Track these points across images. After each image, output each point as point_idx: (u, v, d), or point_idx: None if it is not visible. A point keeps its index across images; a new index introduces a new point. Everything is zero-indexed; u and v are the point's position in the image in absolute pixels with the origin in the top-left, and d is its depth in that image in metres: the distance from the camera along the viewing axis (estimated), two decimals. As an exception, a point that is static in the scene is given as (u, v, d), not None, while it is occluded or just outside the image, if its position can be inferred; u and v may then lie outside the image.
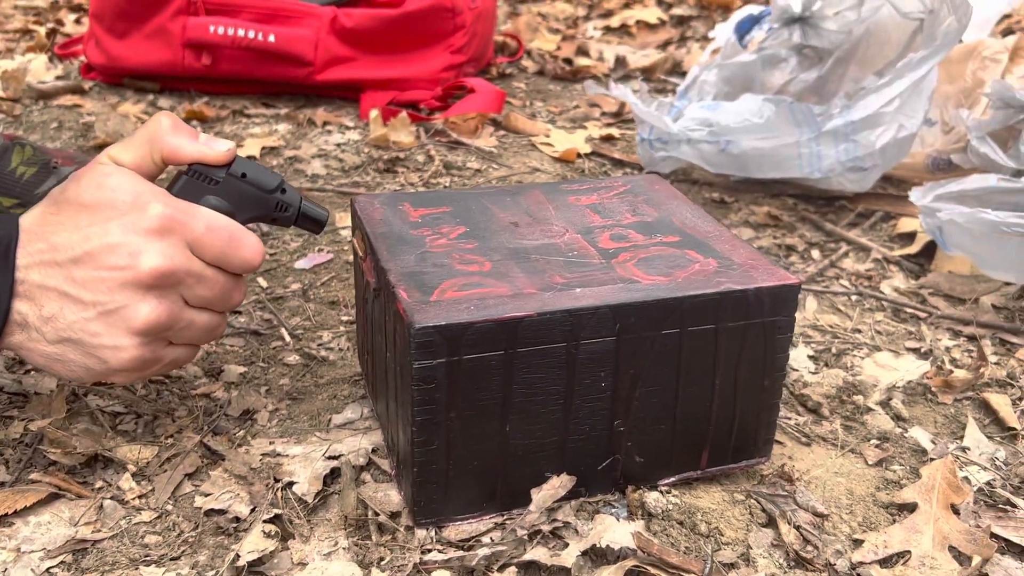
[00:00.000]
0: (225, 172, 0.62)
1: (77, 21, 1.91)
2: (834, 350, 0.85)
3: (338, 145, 1.33)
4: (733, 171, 1.12)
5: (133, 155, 0.60)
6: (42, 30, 1.81)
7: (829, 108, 1.02)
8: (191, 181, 0.61)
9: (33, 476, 0.64)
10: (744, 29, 1.81)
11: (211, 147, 0.61)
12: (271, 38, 1.45)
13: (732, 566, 0.59)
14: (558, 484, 0.61)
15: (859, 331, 0.88)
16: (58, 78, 1.57)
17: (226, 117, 1.43)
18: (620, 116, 1.56)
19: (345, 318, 0.87)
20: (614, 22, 2.12)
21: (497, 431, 0.59)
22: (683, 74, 1.80)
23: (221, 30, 1.45)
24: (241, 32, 1.44)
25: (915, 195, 0.97)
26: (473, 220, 0.69)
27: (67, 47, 1.72)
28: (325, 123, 1.43)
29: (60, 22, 1.88)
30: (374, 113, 1.37)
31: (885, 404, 0.77)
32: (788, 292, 0.61)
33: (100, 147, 1.29)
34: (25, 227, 0.58)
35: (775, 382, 0.64)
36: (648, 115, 1.11)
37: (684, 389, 0.62)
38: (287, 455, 0.68)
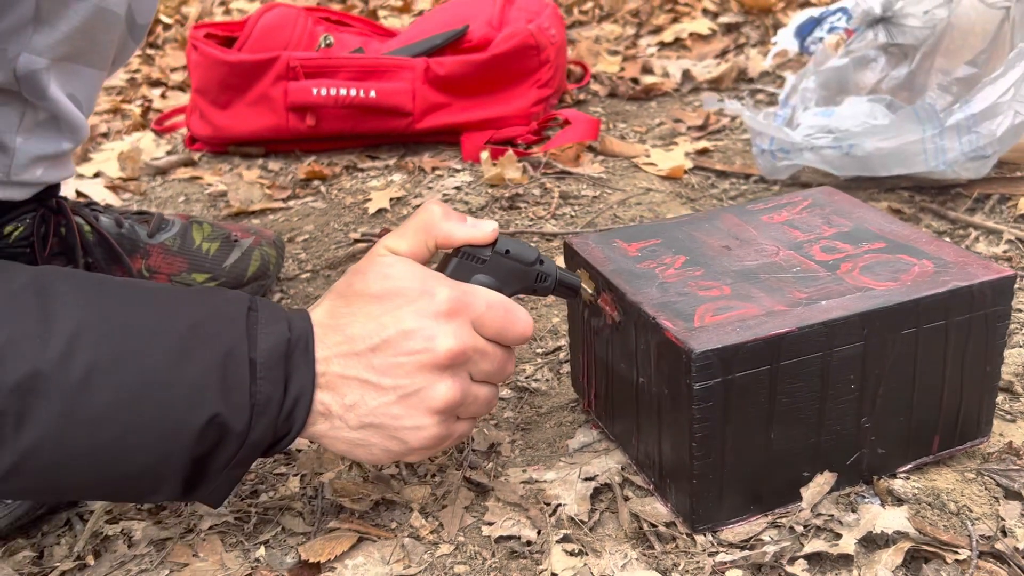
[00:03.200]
0: (491, 251, 0.65)
1: (162, 96, 2.00)
2: (1004, 331, 0.90)
3: (456, 188, 1.40)
4: (858, 172, 1.18)
5: (409, 243, 0.64)
6: (136, 108, 1.89)
7: (949, 106, 1.08)
8: (462, 262, 0.65)
9: (331, 524, 0.70)
10: (806, 32, 1.88)
11: (479, 229, 0.65)
12: (372, 93, 1.52)
13: (993, 538, 0.65)
14: (823, 481, 0.66)
15: (1020, 311, 0.94)
16: (168, 153, 1.65)
17: (340, 173, 1.51)
18: (705, 129, 1.62)
19: (539, 351, 0.94)
20: (667, 37, 2.18)
21: (763, 439, 0.65)
22: (750, 80, 1.86)
23: (324, 91, 1.52)
24: (343, 91, 1.52)
25: (1040, 176, 1.03)
26: (687, 248, 0.75)
27: (162, 122, 1.80)
28: (434, 168, 1.49)
29: (147, 98, 1.97)
30: (485, 155, 1.43)
31: (1074, 376, 0.83)
32: (1006, 283, 0.67)
33: (236, 215, 1.37)
34: (317, 321, 0.62)
35: (996, 366, 0.70)
36: (767, 127, 1.18)
37: (919, 382, 0.68)
38: (544, 480, 0.74)
